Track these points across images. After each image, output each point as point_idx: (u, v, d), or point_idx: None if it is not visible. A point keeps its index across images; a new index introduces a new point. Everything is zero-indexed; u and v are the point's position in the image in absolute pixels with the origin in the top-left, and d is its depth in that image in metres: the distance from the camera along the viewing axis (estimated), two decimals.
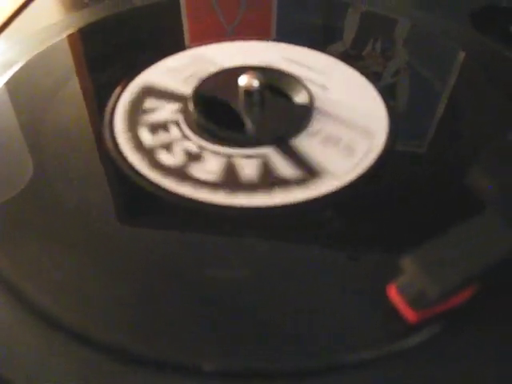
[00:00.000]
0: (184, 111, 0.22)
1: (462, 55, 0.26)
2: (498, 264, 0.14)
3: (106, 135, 0.21)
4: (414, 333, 0.14)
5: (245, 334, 0.14)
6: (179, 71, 0.24)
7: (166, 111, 0.22)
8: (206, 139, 0.20)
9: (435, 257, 0.14)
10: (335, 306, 0.15)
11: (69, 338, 0.14)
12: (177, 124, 0.21)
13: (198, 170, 0.19)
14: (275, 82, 0.23)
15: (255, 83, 0.21)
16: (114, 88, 0.23)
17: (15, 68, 0.24)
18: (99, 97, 0.23)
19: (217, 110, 0.21)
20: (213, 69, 0.24)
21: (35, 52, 0.25)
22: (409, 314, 0.14)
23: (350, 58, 0.25)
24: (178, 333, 0.14)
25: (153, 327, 0.14)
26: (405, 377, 0.13)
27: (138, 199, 0.19)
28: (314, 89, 0.23)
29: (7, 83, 0.23)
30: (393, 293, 0.14)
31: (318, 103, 0.22)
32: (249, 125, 0.21)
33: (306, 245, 0.17)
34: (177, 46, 0.26)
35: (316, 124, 0.21)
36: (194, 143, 0.20)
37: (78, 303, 0.15)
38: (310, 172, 0.19)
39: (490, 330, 0.14)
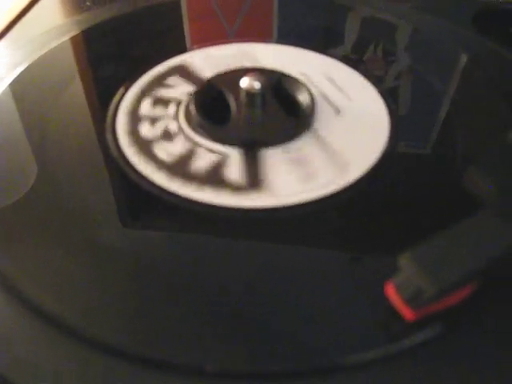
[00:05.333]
0: (185, 111, 0.22)
1: (463, 58, 0.26)
2: (495, 262, 0.14)
3: (108, 136, 0.21)
4: (412, 332, 0.14)
5: (246, 335, 0.14)
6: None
7: (168, 112, 0.22)
8: (202, 136, 0.21)
9: (432, 255, 0.14)
10: (333, 305, 0.15)
11: (69, 338, 0.14)
12: (177, 123, 0.21)
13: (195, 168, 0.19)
14: (278, 85, 0.23)
15: (257, 85, 0.21)
16: (117, 89, 0.23)
17: (19, 70, 0.24)
18: (102, 98, 0.24)
19: (217, 110, 0.22)
20: (214, 71, 0.24)
21: (39, 54, 0.25)
22: (406, 313, 0.14)
23: (351, 62, 0.25)
24: (178, 334, 0.14)
25: (153, 328, 0.14)
26: (402, 377, 0.13)
27: (139, 200, 0.19)
28: (316, 92, 0.23)
29: (11, 85, 0.24)
30: (390, 291, 0.14)
31: (320, 105, 0.22)
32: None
33: (304, 245, 0.17)
34: (178, 48, 0.26)
35: (318, 126, 0.21)
36: (191, 140, 0.20)
37: (79, 304, 0.15)
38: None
39: (488, 329, 0.14)
